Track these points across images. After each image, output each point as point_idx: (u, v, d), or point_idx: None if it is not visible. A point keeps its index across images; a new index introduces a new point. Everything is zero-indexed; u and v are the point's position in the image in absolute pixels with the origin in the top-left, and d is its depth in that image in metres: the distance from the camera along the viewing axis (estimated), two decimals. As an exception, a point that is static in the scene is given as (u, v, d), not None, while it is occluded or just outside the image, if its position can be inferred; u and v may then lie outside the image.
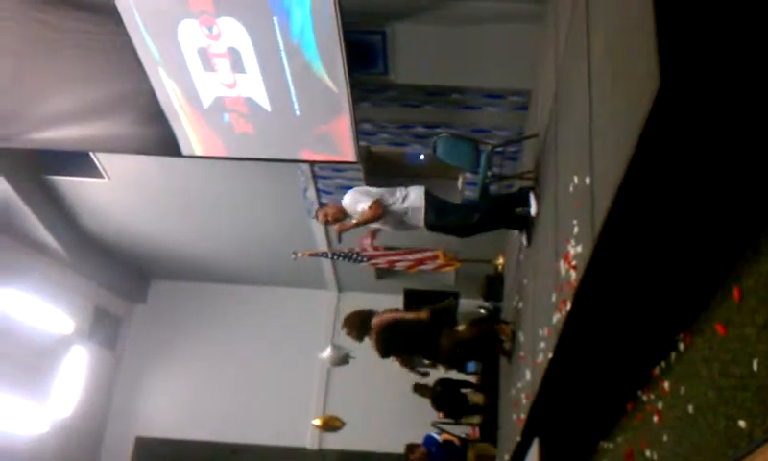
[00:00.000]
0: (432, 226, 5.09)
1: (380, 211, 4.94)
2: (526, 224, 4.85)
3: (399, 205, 5.02)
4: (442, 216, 5.06)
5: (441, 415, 7.69)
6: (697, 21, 1.92)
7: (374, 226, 5.27)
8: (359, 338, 5.82)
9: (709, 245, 2.44)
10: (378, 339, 5.65)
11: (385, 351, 5.76)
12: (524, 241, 4.95)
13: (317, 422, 8.47)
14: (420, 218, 5.03)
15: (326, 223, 5.29)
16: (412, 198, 5.02)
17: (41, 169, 7.97)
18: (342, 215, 5.17)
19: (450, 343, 5.85)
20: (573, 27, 3.60)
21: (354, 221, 5.07)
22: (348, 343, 6.43)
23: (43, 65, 6.05)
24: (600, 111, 2.77)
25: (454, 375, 7.87)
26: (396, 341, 5.73)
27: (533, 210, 4.50)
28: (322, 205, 5.24)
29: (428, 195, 5.05)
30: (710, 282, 2.56)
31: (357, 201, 5.01)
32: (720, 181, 2.20)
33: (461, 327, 5.99)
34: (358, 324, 5.76)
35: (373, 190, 5.12)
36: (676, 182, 2.22)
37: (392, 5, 5.65)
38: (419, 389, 7.73)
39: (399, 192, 5.07)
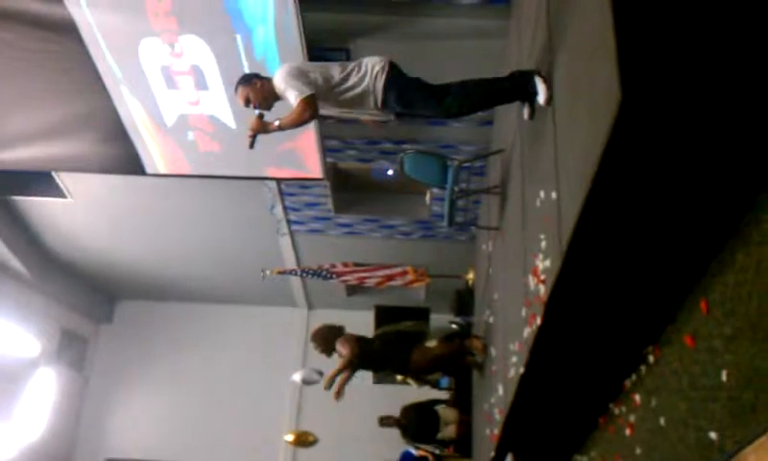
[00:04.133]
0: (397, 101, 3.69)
1: (309, 112, 3.57)
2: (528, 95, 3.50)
3: (351, 81, 3.66)
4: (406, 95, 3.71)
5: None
6: (655, 38, 1.94)
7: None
8: (328, 352, 5.77)
9: (676, 258, 2.45)
10: (351, 355, 5.62)
11: (357, 366, 5.74)
12: (525, 114, 3.67)
13: (289, 437, 8.37)
14: (379, 89, 3.64)
15: (246, 105, 3.80)
16: (367, 73, 3.66)
17: (3, 190, 7.81)
18: (269, 100, 3.74)
19: (422, 360, 5.85)
20: (536, 43, 3.61)
21: (277, 123, 3.65)
22: (320, 361, 6.37)
23: (3, 84, 5.94)
24: (564, 126, 2.78)
25: (423, 394, 7.87)
26: (368, 357, 5.73)
27: (541, 98, 3.31)
28: (248, 79, 3.81)
29: (392, 71, 3.68)
30: (678, 295, 2.58)
31: (287, 85, 3.60)
32: (684, 193, 2.21)
33: (432, 344, 5.98)
34: (330, 336, 5.74)
35: (314, 68, 3.72)
36: (641, 196, 2.22)
37: (355, 22, 5.64)
38: (385, 421, 7.68)
39: (352, 68, 3.70)
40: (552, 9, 3.18)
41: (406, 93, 3.67)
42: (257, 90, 3.71)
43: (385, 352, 5.81)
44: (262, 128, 3.68)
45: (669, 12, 1.94)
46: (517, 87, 3.53)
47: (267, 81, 3.73)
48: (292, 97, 3.57)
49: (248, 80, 3.79)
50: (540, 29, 3.50)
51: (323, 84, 3.62)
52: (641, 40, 1.95)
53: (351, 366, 5.56)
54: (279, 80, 3.65)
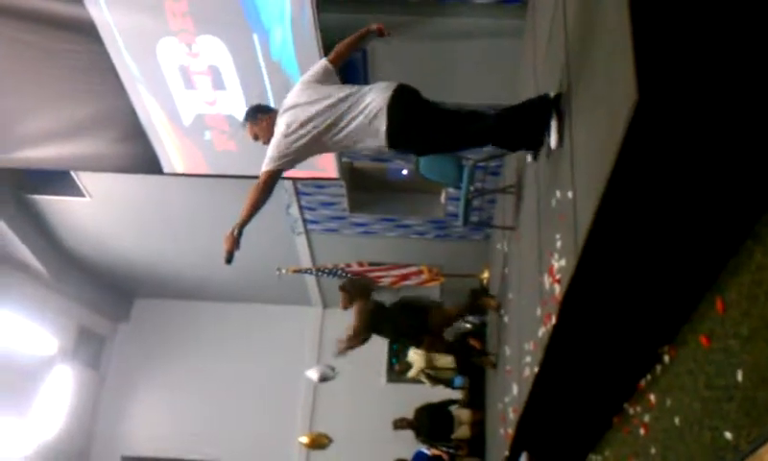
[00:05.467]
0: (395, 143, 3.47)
1: (266, 189, 3.70)
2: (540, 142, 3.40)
3: (349, 120, 3.45)
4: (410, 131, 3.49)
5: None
6: (673, 39, 1.94)
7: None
8: (347, 305, 5.97)
9: (692, 256, 2.44)
10: (364, 311, 5.85)
11: (368, 328, 5.96)
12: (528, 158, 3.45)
13: (304, 439, 8.40)
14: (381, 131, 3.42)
15: (255, 140, 3.78)
16: (371, 107, 3.46)
17: (22, 188, 7.89)
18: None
19: (440, 318, 5.94)
20: (552, 42, 3.61)
21: (236, 226, 3.72)
22: (334, 359, 6.40)
23: (23, 84, 6.00)
24: (580, 126, 2.78)
25: (437, 394, 7.88)
26: (383, 323, 5.96)
27: (553, 141, 3.19)
28: (253, 115, 3.73)
29: (397, 104, 3.46)
30: (694, 294, 2.57)
31: (271, 145, 3.56)
32: (700, 192, 2.21)
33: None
34: (356, 292, 5.98)
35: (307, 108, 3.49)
36: (657, 195, 2.22)
37: (372, 22, 5.65)
38: (399, 424, 7.70)
39: (351, 103, 3.50)
40: (568, 8, 3.18)
41: (416, 136, 3.50)
42: (264, 128, 3.65)
43: (403, 316, 5.95)
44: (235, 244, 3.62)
45: (686, 14, 1.94)
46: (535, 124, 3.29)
47: (272, 115, 3.63)
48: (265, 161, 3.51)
49: (253, 116, 3.71)
50: (556, 28, 3.50)
51: (315, 135, 3.46)
52: (658, 41, 1.95)
53: (358, 338, 5.83)
54: (278, 125, 3.53)
